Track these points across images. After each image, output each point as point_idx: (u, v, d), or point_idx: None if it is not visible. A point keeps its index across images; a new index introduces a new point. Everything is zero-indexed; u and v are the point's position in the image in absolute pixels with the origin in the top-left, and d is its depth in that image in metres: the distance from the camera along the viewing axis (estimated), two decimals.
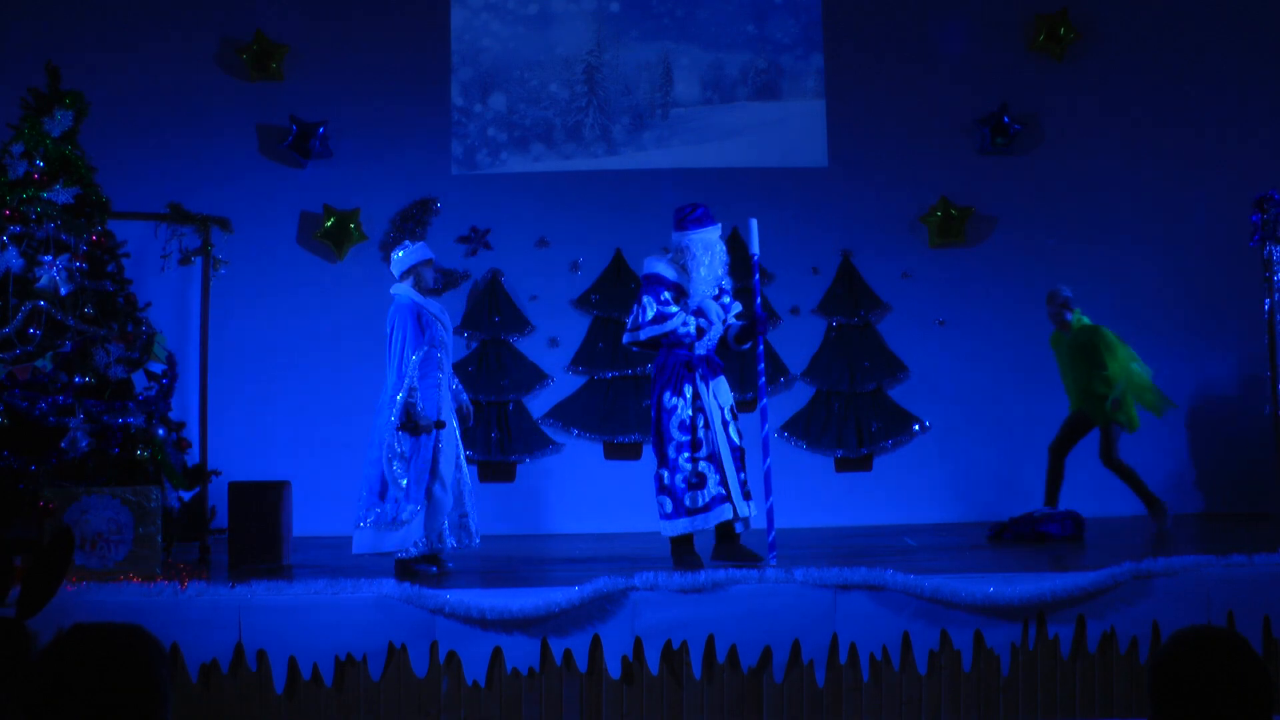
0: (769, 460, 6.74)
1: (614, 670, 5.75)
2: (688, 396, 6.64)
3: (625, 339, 6.96)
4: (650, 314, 6.72)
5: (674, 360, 6.74)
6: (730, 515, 6.61)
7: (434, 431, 6.65)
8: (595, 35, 10.20)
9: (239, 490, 7.39)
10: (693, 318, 6.72)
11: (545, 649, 5.76)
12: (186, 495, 7.17)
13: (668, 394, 6.68)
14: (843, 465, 9.90)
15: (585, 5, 10.21)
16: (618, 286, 9.88)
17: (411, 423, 6.58)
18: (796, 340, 9.99)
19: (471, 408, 7.10)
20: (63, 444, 6.56)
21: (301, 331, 9.71)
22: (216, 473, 7.70)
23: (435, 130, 10.04)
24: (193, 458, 7.56)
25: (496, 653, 5.76)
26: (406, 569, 6.52)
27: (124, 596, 5.81)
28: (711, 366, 6.77)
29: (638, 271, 8.97)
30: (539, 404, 9.89)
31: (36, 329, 6.73)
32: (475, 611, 5.72)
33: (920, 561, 6.78)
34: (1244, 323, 9.15)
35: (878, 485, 9.78)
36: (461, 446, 6.96)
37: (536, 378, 9.89)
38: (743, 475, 6.69)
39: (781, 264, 9.97)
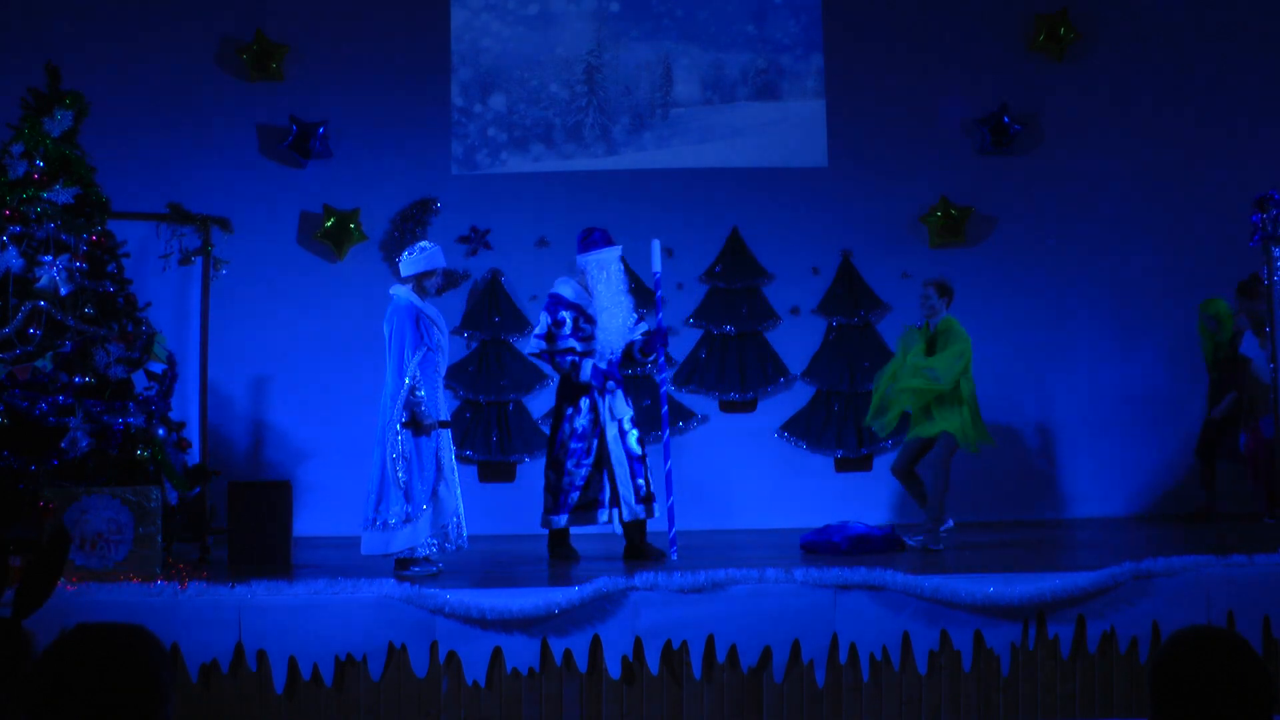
0: (670, 463, 7.26)
1: (614, 670, 5.75)
2: (583, 408, 7.24)
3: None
4: (540, 330, 7.42)
5: None
6: (603, 520, 7.21)
7: (436, 431, 6.65)
8: (595, 35, 10.18)
9: (239, 490, 7.40)
10: (569, 363, 7.28)
11: (545, 649, 5.76)
12: (187, 495, 7.16)
13: (564, 403, 7.32)
14: (843, 465, 9.89)
15: (585, 5, 10.20)
16: None
17: (415, 422, 6.58)
18: (796, 340, 9.98)
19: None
20: (63, 444, 6.55)
21: (301, 331, 9.70)
22: (216, 473, 7.70)
23: (435, 130, 10.03)
24: (193, 458, 7.55)
25: (496, 653, 5.76)
26: (407, 569, 6.51)
27: (124, 596, 5.82)
28: (610, 381, 7.32)
29: (636, 273, 8.98)
30: (539, 404, 9.88)
31: (36, 329, 6.72)
32: (475, 611, 5.73)
33: (920, 561, 6.79)
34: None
35: (878, 485, 9.76)
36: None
37: (536, 378, 9.88)
38: (640, 481, 7.22)
39: (781, 264, 9.97)
